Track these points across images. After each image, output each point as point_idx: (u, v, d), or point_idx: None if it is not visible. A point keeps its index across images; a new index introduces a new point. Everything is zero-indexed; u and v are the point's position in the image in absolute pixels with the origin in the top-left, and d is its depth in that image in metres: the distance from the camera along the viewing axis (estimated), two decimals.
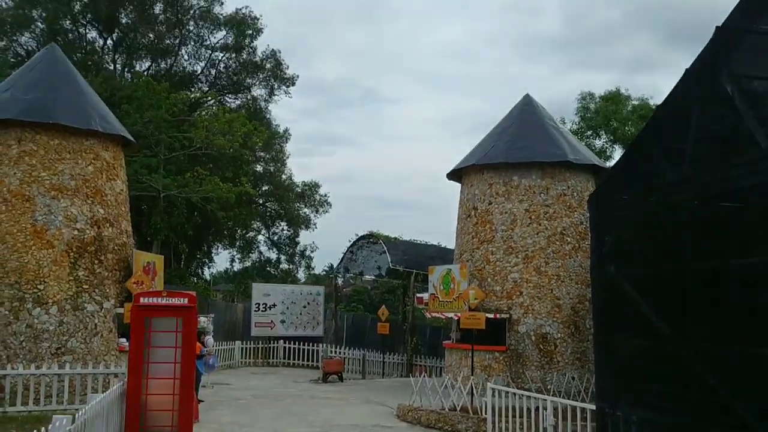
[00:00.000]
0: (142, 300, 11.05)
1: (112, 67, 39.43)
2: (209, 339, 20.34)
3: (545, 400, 13.81)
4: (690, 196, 8.39)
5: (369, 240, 30.59)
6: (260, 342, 30.32)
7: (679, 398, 8.35)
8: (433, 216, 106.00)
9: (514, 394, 15.12)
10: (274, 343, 30.43)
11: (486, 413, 15.65)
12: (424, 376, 16.98)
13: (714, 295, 8.30)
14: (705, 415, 7.86)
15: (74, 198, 16.72)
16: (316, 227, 53.42)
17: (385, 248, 28.62)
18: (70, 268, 16.35)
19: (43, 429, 6.54)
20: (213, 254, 51.99)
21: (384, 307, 27.39)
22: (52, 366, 15.05)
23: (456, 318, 20.79)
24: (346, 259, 31.90)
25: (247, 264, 52.72)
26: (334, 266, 32.15)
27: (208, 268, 54.75)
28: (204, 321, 20.09)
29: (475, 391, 16.47)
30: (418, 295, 29.22)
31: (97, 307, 16.62)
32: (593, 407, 11.65)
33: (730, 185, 7.92)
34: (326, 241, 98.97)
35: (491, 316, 19.11)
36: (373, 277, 44.82)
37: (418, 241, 30.87)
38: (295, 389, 21.19)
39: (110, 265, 17.14)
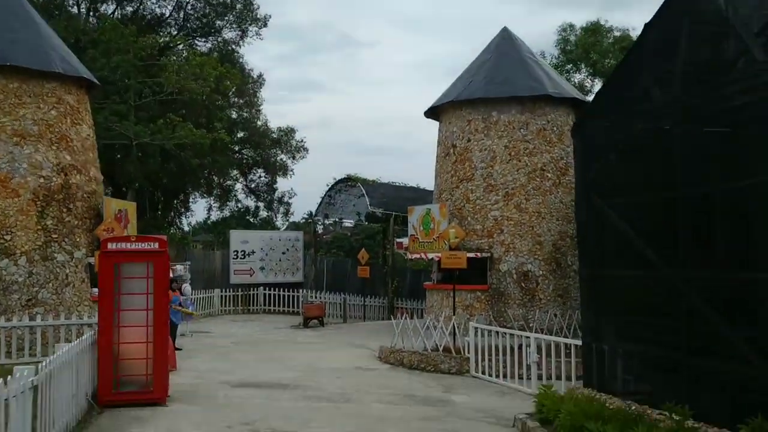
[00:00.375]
0: (110, 246, 10.55)
1: (75, 11, 37.95)
2: (186, 287, 20.00)
3: (528, 337, 13.66)
4: (679, 119, 7.99)
5: (347, 183, 30.11)
6: (240, 290, 30.02)
7: (670, 330, 8.10)
8: (412, 160, 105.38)
9: (497, 332, 14.96)
10: (253, 290, 30.15)
11: (469, 352, 15.51)
12: (405, 318, 16.76)
13: (705, 222, 7.98)
14: (697, 346, 7.62)
15: (38, 144, 16.03)
16: (293, 174, 52.79)
17: (363, 191, 28.18)
18: (38, 217, 15.76)
19: (0, 381, 6.11)
20: (190, 203, 51.37)
21: (363, 251, 27.13)
22: (22, 318, 14.59)
23: (437, 258, 20.54)
24: (324, 204, 31.46)
25: (226, 214, 52.24)
26: (316, 203, 31.70)
27: (186, 217, 54.12)
28: (180, 269, 19.72)
29: (457, 331, 16.30)
30: (398, 240, 29.00)
31: (67, 256, 16.10)
32: (578, 343, 11.47)
33: (722, 105, 7.52)
34: (305, 189, 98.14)
35: (472, 255, 18.85)
36: (352, 223, 44.56)
37: (397, 184, 30.46)
38: (276, 335, 20.96)
39: (80, 214, 16.57)
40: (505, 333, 14.65)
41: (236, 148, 46.46)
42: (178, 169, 35.71)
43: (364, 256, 26.62)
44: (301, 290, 28.90)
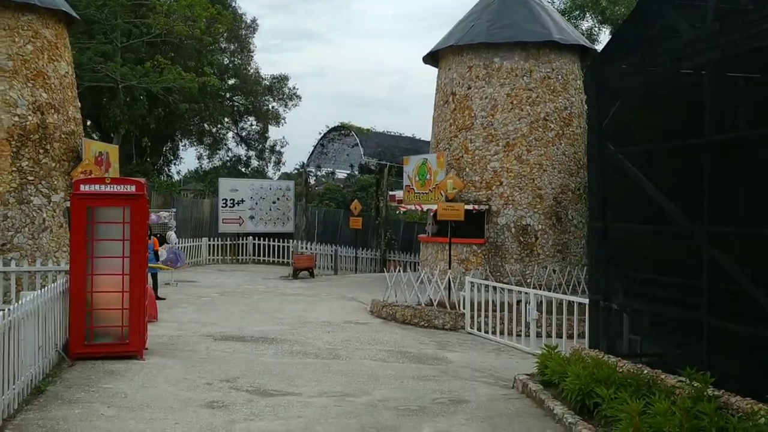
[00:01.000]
0: (82, 188, 9.74)
1: None
2: (171, 234, 19.29)
3: (527, 293, 13.03)
4: (711, 57, 7.17)
5: (340, 132, 29.21)
6: (228, 239, 29.32)
7: (689, 289, 7.42)
8: (405, 114, 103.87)
9: (494, 287, 14.34)
10: (243, 239, 29.45)
11: (464, 308, 14.92)
12: (398, 271, 16.10)
13: (733, 173, 7.24)
14: (720, 307, 6.94)
15: (13, 81, 15.05)
16: (285, 122, 51.84)
17: (357, 140, 27.32)
18: (12, 158, 14.89)
19: None
20: (180, 151, 50.32)
21: (356, 201, 26.38)
22: (20, 263, 13.87)
23: (432, 210, 19.83)
24: (316, 153, 30.59)
25: (217, 163, 51.27)
26: (305, 162, 30.82)
27: (176, 165, 53.16)
28: (166, 216, 18.96)
29: (452, 286, 15.68)
30: (391, 193, 28.30)
31: (44, 200, 15.28)
32: (583, 301, 10.83)
33: (762, 42, 6.69)
34: (297, 139, 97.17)
35: (470, 207, 18.11)
36: (345, 174, 43.67)
37: (392, 133, 29.56)
38: (264, 286, 20.32)
39: (57, 155, 15.69)
40: (503, 288, 14.02)
41: (227, 95, 45.36)
42: (166, 114, 34.70)
43: (357, 206, 25.88)
44: (291, 241, 28.21)
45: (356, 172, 35.68)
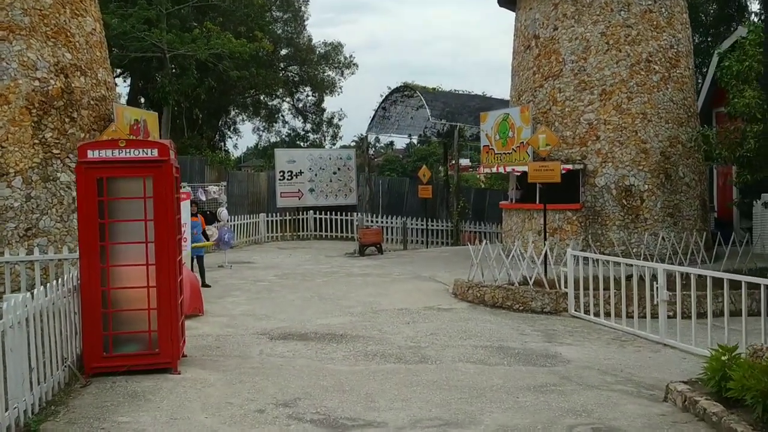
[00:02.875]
0: (90, 154, 7.52)
1: None
2: (223, 211, 17.24)
3: (654, 268, 10.40)
4: None
5: (404, 93, 26.67)
6: (288, 214, 27.24)
7: None
8: (463, 80, 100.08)
9: (606, 261, 11.75)
10: (303, 214, 27.34)
11: (566, 286, 12.40)
12: (485, 244, 13.62)
13: None
14: None
15: (30, 39, 12.98)
16: (341, 92, 49.76)
17: (422, 101, 24.73)
18: (34, 129, 12.86)
19: None
20: (237, 125, 48.70)
21: (425, 167, 23.87)
22: (20, 251, 11.92)
23: (516, 173, 17.22)
24: (377, 118, 28.13)
25: (273, 137, 49.55)
26: (366, 127, 28.41)
27: (232, 139, 51.63)
28: (215, 191, 16.88)
29: (550, 259, 13.16)
30: (462, 162, 25.82)
31: (73, 176, 13.23)
32: (736, 278, 8.22)
33: None
34: (353, 113, 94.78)
35: (561, 167, 15.46)
36: (405, 145, 41.19)
37: (460, 92, 26.87)
38: (328, 266, 18.08)
39: (86, 124, 13.63)
40: (621, 262, 11.40)
41: (281, 65, 43.39)
42: (217, 83, 32.70)
43: (426, 173, 23.37)
44: (355, 214, 25.91)
45: (418, 140, 33.19)
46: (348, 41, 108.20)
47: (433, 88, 25.92)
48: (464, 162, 30.31)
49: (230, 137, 49.74)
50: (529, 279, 12.94)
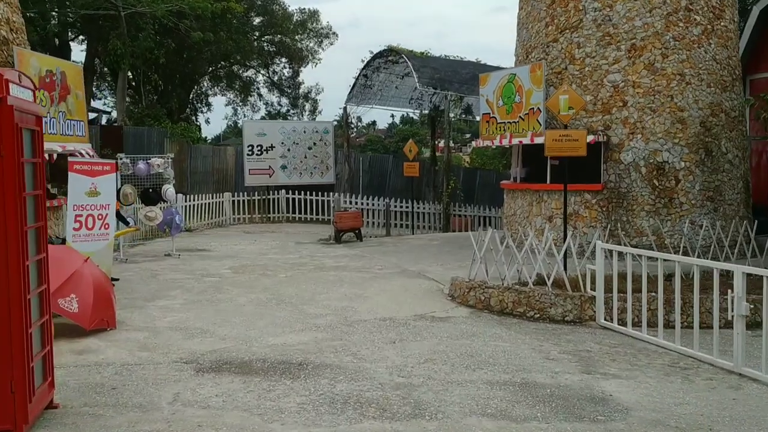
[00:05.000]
0: None
1: None
2: (169, 189, 14.25)
3: (730, 270, 7.60)
4: None
5: (388, 59, 23.65)
6: (257, 193, 24.24)
7: None
8: None
9: (639, 257, 8.94)
10: (274, 194, 24.34)
11: (593, 288, 9.64)
12: (492, 232, 10.77)
13: None
14: None
15: None
16: (320, 62, 46.86)
17: (409, 66, 21.74)
18: None
19: None
20: (209, 98, 45.54)
21: (411, 142, 20.93)
22: None
23: (520, 144, 14.38)
24: (358, 87, 25.10)
25: (248, 112, 46.49)
26: (345, 99, 25.38)
27: (204, 114, 48.50)
28: (160, 164, 13.89)
29: (573, 251, 10.35)
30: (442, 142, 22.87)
31: None
32: None
33: None
34: (332, 92, 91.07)
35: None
36: (388, 124, 38.29)
37: (452, 57, 23.86)
38: (297, 254, 15.15)
39: None
40: (667, 259, 8.61)
41: (256, 34, 40.34)
42: (180, 47, 29.51)
43: (413, 148, 20.44)
44: (332, 194, 22.94)
45: (401, 119, 30.34)
46: (329, 20, 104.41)
47: (422, 53, 22.97)
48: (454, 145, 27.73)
49: (202, 111, 46.66)
50: (547, 278, 10.14)
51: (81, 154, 11.57)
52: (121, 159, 14.02)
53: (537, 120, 13.42)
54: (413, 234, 20.66)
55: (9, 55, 10.97)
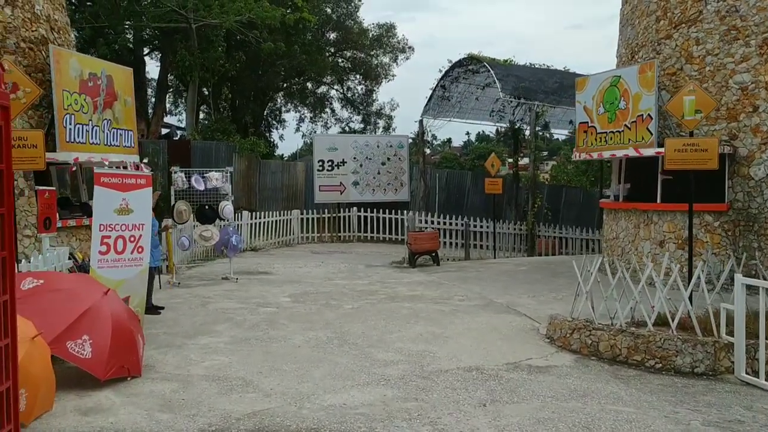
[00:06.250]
0: None
1: None
2: (227, 206, 12.90)
3: None
4: None
5: (468, 68, 21.96)
6: (327, 211, 22.85)
7: None
8: None
9: None
10: (345, 211, 22.89)
11: (729, 333, 7.74)
12: (602, 259, 8.90)
13: None
14: None
15: None
16: (394, 78, 45.67)
17: (492, 75, 19.97)
18: None
19: None
20: (282, 114, 44.79)
21: (494, 156, 19.07)
22: None
23: (625, 157, 12.42)
24: (435, 99, 23.50)
25: (320, 128, 45.57)
26: (421, 114, 23.77)
27: (278, 130, 47.82)
28: (218, 178, 12.57)
29: (703, 285, 8.38)
30: (523, 161, 20.77)
31: None
32: None
33: None
34: (405, 111, 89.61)
35: None
36: (463, 142, 36.52)
37: (538, 65, 21.98)
38: (366, 280, 13.52)
39: None
40: None
41: (330, 50, 39.43)
42: (250, 59, 28.54)
43: (495, 163, 18.60)
44: (406, 212, 21.28)
45: (477, 136, 28.50)
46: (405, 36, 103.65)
47: (505, 61, 21.16)
48: (525, 161, 25.77)
49: (276, 128, 45.94)
50: (671, 318, 8.20)
51: (124, 167, 10.30)
52: (175, 172, 12.76)
53: (647, 128, 11.45)
54: (495, 257, 18.77)
55: (48, 56, 9.80)
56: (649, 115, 11.49)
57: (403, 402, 6.12)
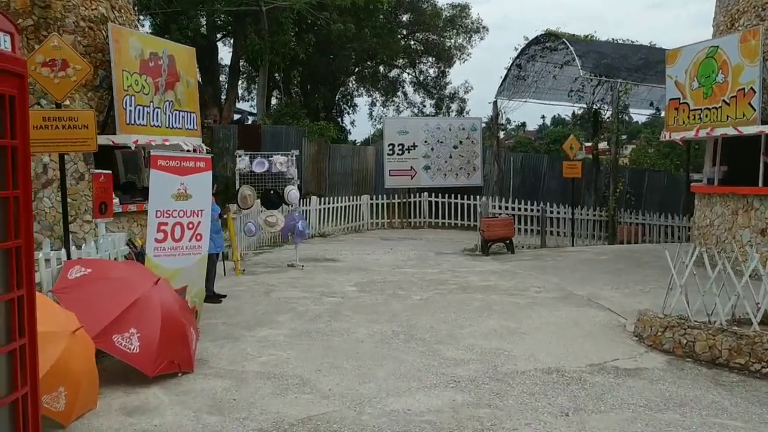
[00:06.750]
0: None
1: None
2: (293, 191, 12.46)
3: None
4: None
5: (545, 45, 20.91)
6: (397, 196, 22.25)
7: None
8: None
9: None
10: (415, 196, 22.25)
11: None
12: (699, 249, 7.99)
13: None
14: None
15: None
16: (469, 57, 44.54)
17: (572, 52, 18.91)
18: None
19: None
20: (354, 98, 44.37)
21: (573, 138, 18.04)
22: None
23: (723, 136, 11.34)
24: (510, 78, 22.54)
25: (392, 113, 44.97)
26: (495, 95, 22.85)
27: (350, 115, 47.51)
28: (282, 162, 12.13)
29: None
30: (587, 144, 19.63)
31: None
32: None
33: None
34: (479, 92, 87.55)
35: None
36: (538, 125, 35.27)
37: (621, 40, 20.72)
38: (437, 269, 12.86)
39: None
40: None
41: (403, 32, 38.79)
42: (320, 42, 28.12)
43: (574, 145, 17.57)
44: (479, 198, 20.45)
45: (552, 120, 27.30)
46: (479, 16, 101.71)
47: (586, 36, 20.01)
48: (602, 146, 24.45)
49: (348, 112, 45.58)
50: None
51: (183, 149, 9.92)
52: (239, 156, 12.38)
53: (749, 104, 10.37)
54: (573, 245, 17.79)
55: (107, 36, 9.49)
56: (752, 88, 10.39)
57: (475, 408, 5.47)
